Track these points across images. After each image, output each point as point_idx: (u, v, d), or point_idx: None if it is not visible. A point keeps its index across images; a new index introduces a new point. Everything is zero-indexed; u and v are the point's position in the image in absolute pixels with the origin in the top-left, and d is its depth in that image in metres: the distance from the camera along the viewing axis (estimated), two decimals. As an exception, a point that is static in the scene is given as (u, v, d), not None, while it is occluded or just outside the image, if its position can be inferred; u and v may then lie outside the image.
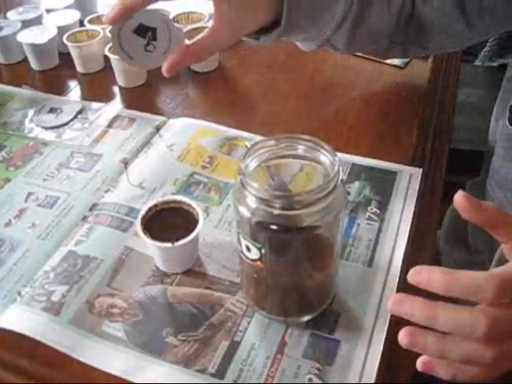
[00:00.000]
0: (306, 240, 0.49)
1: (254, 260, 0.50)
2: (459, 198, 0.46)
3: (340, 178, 0.48)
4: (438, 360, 0.44)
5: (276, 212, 0.47)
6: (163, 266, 0.60)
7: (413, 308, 0.43)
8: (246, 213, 0.48)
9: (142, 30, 0.58)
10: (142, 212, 0.60)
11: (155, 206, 0.61)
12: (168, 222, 0.60)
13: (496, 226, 0.46)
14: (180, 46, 0.60)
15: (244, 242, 0.50)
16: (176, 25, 0.62)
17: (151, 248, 0.60)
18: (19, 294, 0.59)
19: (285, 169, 0.54)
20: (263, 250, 0.49)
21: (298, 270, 0.52)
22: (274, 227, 0.47)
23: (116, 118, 0.83)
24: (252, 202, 0.47)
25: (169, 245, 0.57)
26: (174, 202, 0.61)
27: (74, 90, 0.92)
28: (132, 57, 0.58)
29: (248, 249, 0.50)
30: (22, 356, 0.55)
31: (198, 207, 0.60)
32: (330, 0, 0.67)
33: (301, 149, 0.51)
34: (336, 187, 0.47)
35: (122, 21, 0.57)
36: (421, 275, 0.43)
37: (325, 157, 0.50)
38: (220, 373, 0.52)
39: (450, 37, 0.76)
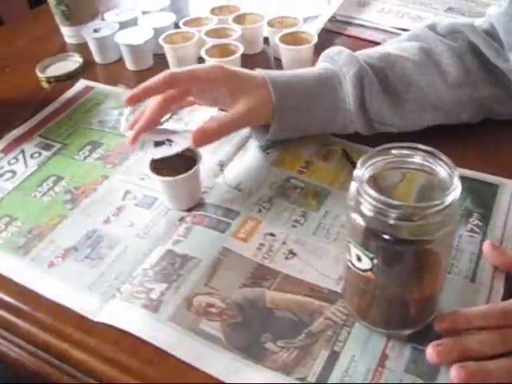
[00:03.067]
0: (417, 253, 0.48)
1: (364, 270, 0.49)
2: (486, 246, 0.60)
3: (459, 192, 0.46)
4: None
5: (391, 222, 0.45)
6: (168, 202, 0.69)
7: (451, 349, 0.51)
8: (359, 221, 0.47)
9: (159, 144, 0.69)
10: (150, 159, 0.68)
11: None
12: (173, 165, 0.68)
13: None
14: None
15: (355, 251, 0.49)
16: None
17: (158, 185, 0.68)
18: (118, 290, 0.60)
19: (386, 178, 0.53)
20: (375, 261, 0.48)
21: (407, 283, 0.50)
22: (387, 237, 0.46)
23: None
24: (367, 210, 0.46)
25: (171, 179, 0.66)
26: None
27: (168, 90, 0.93)
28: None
29: (359, 258, 0.49)
30: (122, 352, 0.56)
31: (198, 153, 0.68)
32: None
33: (417, 159, 0.49)
34: (453, 202, 0.46)
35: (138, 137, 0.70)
36: (445, 323, 0.53)
37: (442, 169, 0.48)
38: (320, 382, 0.51)
39: None
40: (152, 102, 0.72)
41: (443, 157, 0.48)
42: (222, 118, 0.69)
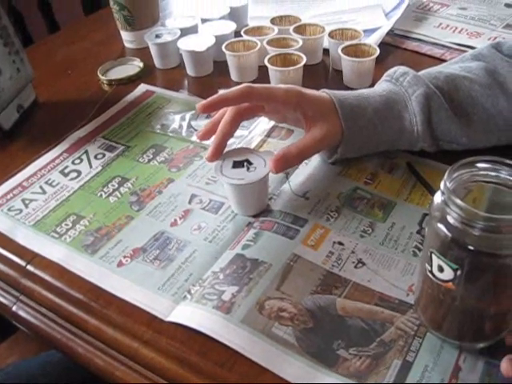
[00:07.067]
0: (500, 266, 0.48)
1: (445, 281, 0.49)
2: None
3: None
4: None
5: (477, 233, 0.46)
6: (236, 207, 0.70)
7: None
8: (444, 231, 0.47)
9: (238, 164, 0.69)
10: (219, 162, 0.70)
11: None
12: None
13: None
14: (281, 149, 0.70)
15: (437, 262, 0.49)
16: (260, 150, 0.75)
17: (226, 189, 0.70)
18: (189, 292, 0.61)
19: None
20: (459, 272, 0.48)
21: (486, 296, 0.50)
22: (473, 249, 0.46)
23: (274, 128, 0.84)
24: (453, 220, 0.47)
25: (240, 183, 0.66)
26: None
27: (228, 98, 0.94)
28: (242, 178, 0.67)
29: (441, 269, 0.49)
30: (193, 352, 0.57)
31: (266, 158, 0.69)
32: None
33: (503, 174, 0.49)
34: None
35: (219, 156, 0.71)
36: None
37: (528, 183, 0.48)
38: (394, 391, 0.51)
39: None
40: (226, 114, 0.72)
41: (529, 171, 0.48)
42: (300, 145, 0.70)
